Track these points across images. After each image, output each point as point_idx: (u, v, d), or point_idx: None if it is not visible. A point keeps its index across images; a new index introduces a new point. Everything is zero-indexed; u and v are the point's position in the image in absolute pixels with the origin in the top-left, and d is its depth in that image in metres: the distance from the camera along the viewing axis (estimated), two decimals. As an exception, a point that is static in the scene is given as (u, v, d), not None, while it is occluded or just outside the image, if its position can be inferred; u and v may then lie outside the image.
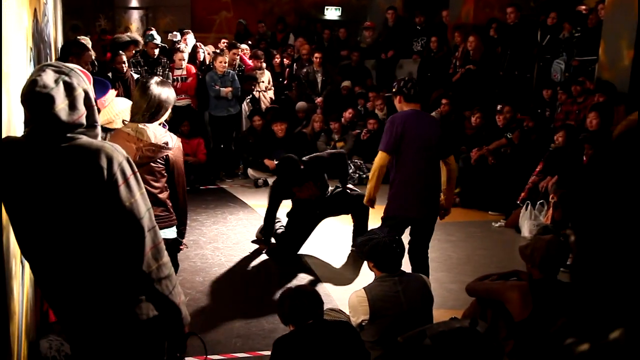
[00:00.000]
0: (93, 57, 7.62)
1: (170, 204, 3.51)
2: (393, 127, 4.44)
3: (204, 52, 9.89)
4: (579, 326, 1.15)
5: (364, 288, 3.61)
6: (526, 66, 9.85)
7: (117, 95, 7.29)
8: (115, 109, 3.90)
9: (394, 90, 4.69)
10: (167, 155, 3.41)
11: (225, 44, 10.59)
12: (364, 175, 8.68)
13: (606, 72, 8.26)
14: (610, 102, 7.56)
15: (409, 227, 4.64)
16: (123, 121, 3.78)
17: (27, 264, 2.79)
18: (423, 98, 4.85)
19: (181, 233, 3.66)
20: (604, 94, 7.66)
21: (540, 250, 3.37)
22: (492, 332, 3.31)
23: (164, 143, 3.37)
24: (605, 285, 1.08)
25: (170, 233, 3.49)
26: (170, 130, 3.53)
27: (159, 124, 3.48)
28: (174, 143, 3.45)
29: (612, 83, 7.86)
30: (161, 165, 3.42)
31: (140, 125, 3.37)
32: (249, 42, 11.42)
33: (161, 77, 3.72)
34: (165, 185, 3.47)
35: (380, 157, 4.50)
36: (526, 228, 6.68)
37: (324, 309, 3.27)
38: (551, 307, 3.24)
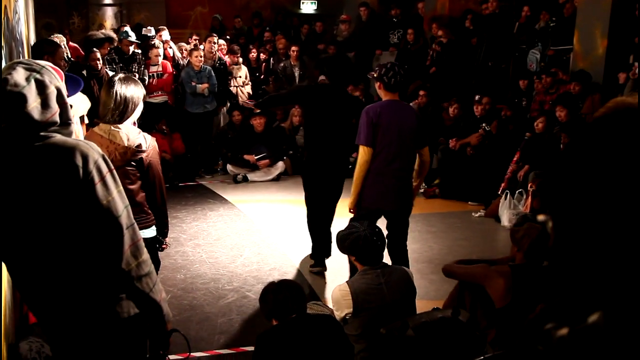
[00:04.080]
0: (66, 54, 7.52)
1: (147, 206, 3.46)
2: (369, 119, 4.39)
3: (172, 50, 9.81)
4: (557, 311, 1.16)
5: (346, 282, 3.61)
6: (502, 57, 9.92)
7: (93, 94, 7.24)
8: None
9: (375, 75, 4.60)
10: (140, 157, 3.34)
11: (197, 40, 10.54)
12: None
13: (581, 62, 8.35)
14: (582, 92, 7.66)
15: (386, 220, 4.60)
16: (95, 122, 3.71)
17: (3, 266, 2.75)
18: (403, 87, 4.71)
19: (163, 233, 3.61)
20: (580, 83, 7.75)
21: (530, 238, 3.39)
22: (474, 321, 3.33)
23: (137, 145, 3.29)
24: (583, 269, 1.08)
25: (149, 233, 3.45)
26: (146, 127, 3.45)
27: (132, 123, 3.42)
28: (148, 144, 3.36)
29: (587, 72, 7.94)
30: (135, 168, 3.34)
31: (113, 127, 3.28)
32: (228, 37, 11.35)
33: (126, 73, 3.64)
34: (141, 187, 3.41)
35: (363, 152, 4.42)
36: (506, 217, 6.74)
37: (307, 302, 3.27)
38: (532, 293, 3.27)
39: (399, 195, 4.51)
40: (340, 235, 3.74)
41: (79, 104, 3.76)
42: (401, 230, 4.63)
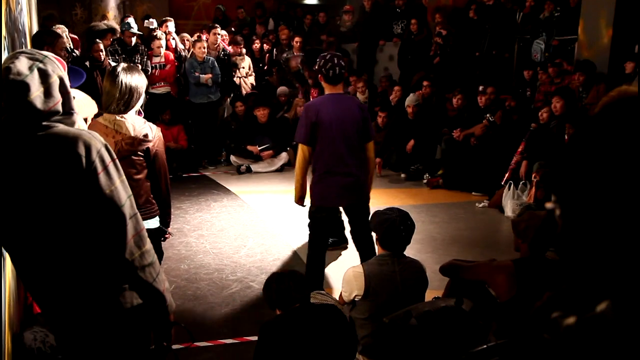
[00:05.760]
0: (68, 45, 7.49)
1: (152, 196, 3.46)
2: (308, 118, 4.31)
3: (175, 41, 9.79)
4: (565, 300, 1.15)
5: (362, 264, 3.62)
6: (506, 46, 9.87)
7: (97, 85, 7.24)
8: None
9: (315, 67, 4.47)
10: (147, 147, 3.34)
11: (205, 30, 10.52)
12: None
13: (585, 51, 8.30)
14: (586, 82, 7.62)
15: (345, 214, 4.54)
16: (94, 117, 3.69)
17: (7, 256, 2.75)
18: (344, 79, 4.49)
19: (166, 222, 3.61)
20: (584, 73, 7.70)
21: (534, 228, 3.35)
22: (477, 310, 3.32)
23: (143, 135, 3.28)
24: (592, 258, 1.07)
25: (153, 223, 3.45)
26: (149, 118, 3.45)
27: (136, 112, 3.41)
28: (154, 134, 3.36)
29: (592, 62, 7.90)
30: (142, 157, 3.34)
31: (118, 117, 3.27)
32: (233, 29, 11.31)
33: (129, 63, 3.62)
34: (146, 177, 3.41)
35: (300, 150, 4.40)
36: (509, 208, 6.73)
37: (311, 292, 3.26)
38: (537, 285, 3.25)
39: (349, 191, 4.41)
40: (375, 212, 3.76)
41: (85, 106, 3.73)
42: (360, 223, 4.55)
